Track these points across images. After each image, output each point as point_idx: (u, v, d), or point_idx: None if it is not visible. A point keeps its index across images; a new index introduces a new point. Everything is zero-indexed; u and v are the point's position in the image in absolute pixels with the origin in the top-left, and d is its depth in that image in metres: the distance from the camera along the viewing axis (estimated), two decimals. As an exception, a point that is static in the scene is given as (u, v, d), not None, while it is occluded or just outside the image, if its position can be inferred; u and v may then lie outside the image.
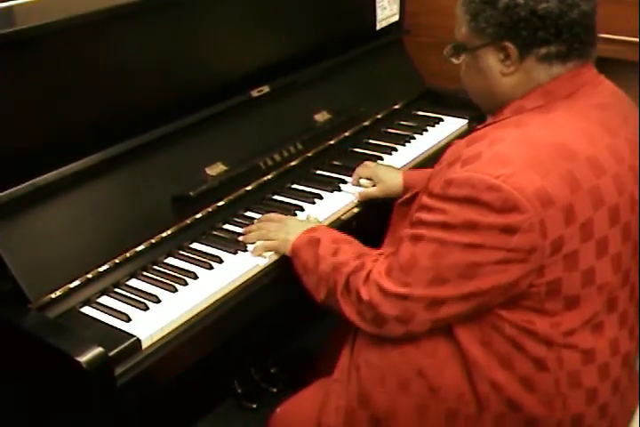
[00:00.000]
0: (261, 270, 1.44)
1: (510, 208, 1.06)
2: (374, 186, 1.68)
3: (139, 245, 1.45)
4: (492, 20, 1.16)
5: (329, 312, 1.33)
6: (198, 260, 1.46)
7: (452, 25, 1.27)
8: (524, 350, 1.16)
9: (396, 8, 2.20)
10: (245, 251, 1.48)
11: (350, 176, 1.75)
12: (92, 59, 1.45)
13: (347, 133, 1.94)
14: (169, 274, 1.42)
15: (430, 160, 1.89)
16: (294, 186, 1.75)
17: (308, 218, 1.56)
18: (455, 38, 1.25)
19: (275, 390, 1.96)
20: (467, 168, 1.10)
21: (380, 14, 2.14)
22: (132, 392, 1.23)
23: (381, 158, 1.87)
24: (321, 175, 1.80)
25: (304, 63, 1.89)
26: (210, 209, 1.59)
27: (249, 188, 1.67)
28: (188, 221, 1.54)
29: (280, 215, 1.54)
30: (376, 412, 1.26)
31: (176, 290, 1.37)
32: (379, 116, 2.06)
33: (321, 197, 1.68)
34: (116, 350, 1.21)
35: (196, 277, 1.40)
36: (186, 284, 1.39)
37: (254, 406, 1.93)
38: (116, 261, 1.41)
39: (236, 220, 1.60)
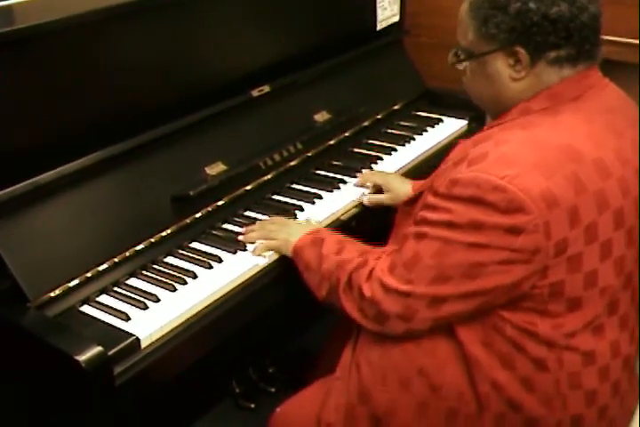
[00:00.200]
0: (261, 270, 1.45)
1: (515, 209, 1.06)
2: (379, 192, 1.68)
3: (138, 244, 1.45)
4: (504, 25, 1.14)
5: (328, 310, 1.33)
6: (198, 259, 1.46)
7: (452, 26, 1.26)
8: (525, 350, 1.16)
9: (396, 8, 2.20)
10: (245, 250, 1.48)
11: (350, 176, 1.75)
12: (91, 58, 1.44)
13: (346, 134, 1.94)
14: (168, 273, 1.42)
15: (430, 161, 1.90)
16: (294, 186, 1.75)
17: (309, 221, 1.56)
18: (459, 44, 1.23)
19: (273, 389, 1.96)
20: (472, 168, 1.10)
21: (380, 15, 2.14)
22: (130, 391, 1.23)
23: (381, 158, 1.87)
24: (321, 175, 1.80)
25: (304, 63, 1.89)
26: (209, 209, 1.58)
27: (249, 187, 1.67)
28: (188, 221, 1.54)
29: (282, 218, 1.54)
30: (376, 410, 1.26)
31: (175, 289, 1.37)
32: (378, 117, 2.06)
33: (321, 197, 1.68)
34: (115, 350, 1.21)
35: (195, 276, 1.40)
36: (185, 283, 1.39)
37: (252, 405, 1.93)
38: (116, 260, 1.41)
39: (236, 219, 1.60)
